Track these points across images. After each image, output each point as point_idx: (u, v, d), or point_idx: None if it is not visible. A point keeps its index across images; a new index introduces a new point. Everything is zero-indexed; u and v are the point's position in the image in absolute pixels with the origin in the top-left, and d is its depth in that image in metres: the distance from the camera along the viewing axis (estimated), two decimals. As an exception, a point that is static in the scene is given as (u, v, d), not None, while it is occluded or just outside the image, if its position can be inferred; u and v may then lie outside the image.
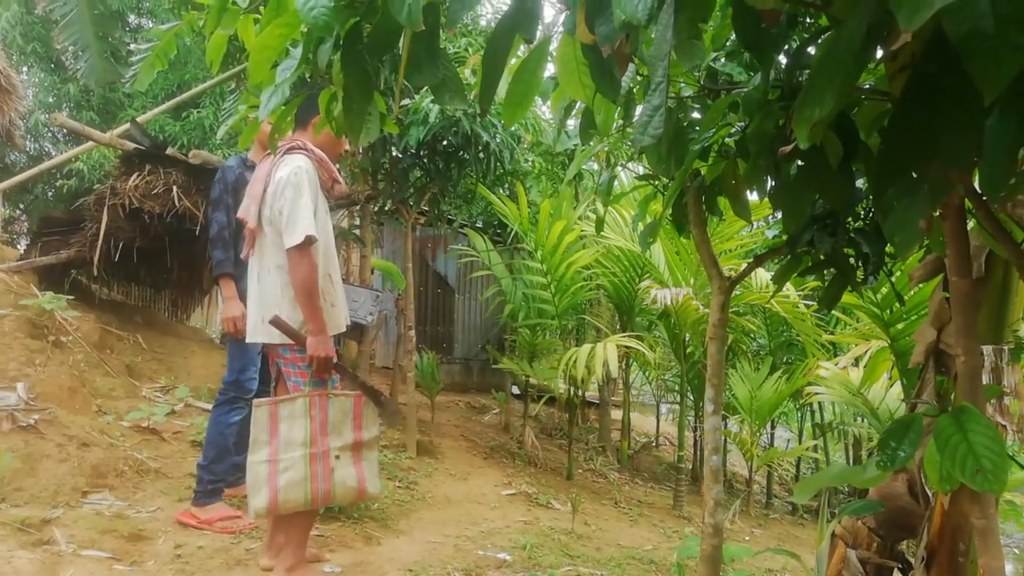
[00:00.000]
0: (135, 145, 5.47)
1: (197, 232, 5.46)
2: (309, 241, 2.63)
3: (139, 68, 2.96)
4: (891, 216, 0.88)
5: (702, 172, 2.66)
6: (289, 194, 2.65)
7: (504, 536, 3.88)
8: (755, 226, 5.95)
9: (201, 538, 3.18)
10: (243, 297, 3.21)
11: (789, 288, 5.63)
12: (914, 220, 0.85)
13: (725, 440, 6.69)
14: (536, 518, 4.42)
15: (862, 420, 7.09)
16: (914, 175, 0.84)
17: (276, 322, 2.69)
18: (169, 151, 5.43)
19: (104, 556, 2.88)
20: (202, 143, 10.24)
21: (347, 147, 3.27)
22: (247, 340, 2.94)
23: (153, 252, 5.84)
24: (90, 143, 6.06)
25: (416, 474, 4.80)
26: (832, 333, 6.11)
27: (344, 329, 3.00)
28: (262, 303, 2.79)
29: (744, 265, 5.01)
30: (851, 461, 7.74)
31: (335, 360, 2.76)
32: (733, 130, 2.16)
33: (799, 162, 1.99)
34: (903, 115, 0.87)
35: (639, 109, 1.95)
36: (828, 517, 3.08)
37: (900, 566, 2.64)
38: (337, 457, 2.74)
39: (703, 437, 7.16)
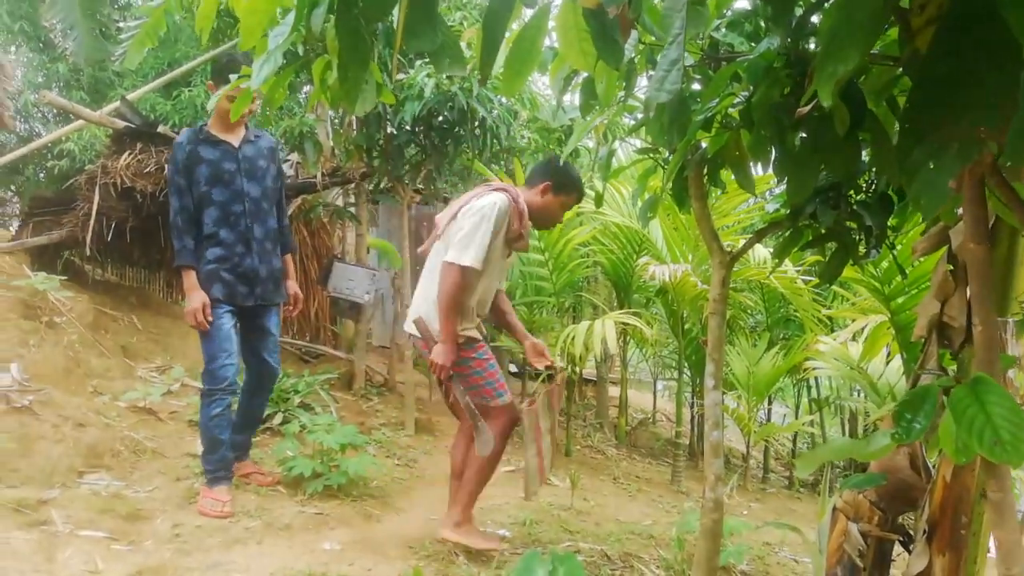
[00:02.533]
0: (125, 123, 5.39)
1: (190, 211, 5.41)
2: (464, 268, 2.87)
3: (128, 46, 2.90)
4: (918, 177, 0.85)
5: (703, 144, 2.62)
6: (474, 220, 2.90)
7: (503, 512, 3.88)
8: (751, 202, 5.91)
9: (199, 517, 3.17)
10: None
11: (787, 263, 5.60)
12: (943, 181, 0.82)
13: (723, 415, 6.69)
14: (535, 494, 4.42)
15: (859, 395, 7.11)
16: (943, 133, 0.80)
17: (419, 323, 3.04)
18: (160, 129, 5.37)
19: (102, 536, 2.86)
20: (194, 121, 10.11)
21: (560, 220, 3.42)
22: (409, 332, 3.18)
23: (146, 232, 5.79)
24: (79, 122, 5.97)
25: (415, 452, 4.80)
26: (830, 308, 6.10)
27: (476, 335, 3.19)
28: (419, 298, 3.13)
29: (742, 241, 4.98)
30: (847, 436, 7.77)
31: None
32: (736, 100, 2.12)
33: (802, 134, 1.96)
34: (930, 70, 0.83)
35: (641, 80, 1.91)
36: (828, 491, 3.09)
37: (901, 539, 2.64)
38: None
39: (701, 413, 7.19)
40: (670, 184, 2.76)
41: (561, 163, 3.21)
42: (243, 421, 3.71)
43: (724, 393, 6.61)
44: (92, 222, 5.27)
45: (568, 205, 3.28)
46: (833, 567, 2.70)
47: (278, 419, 4.48)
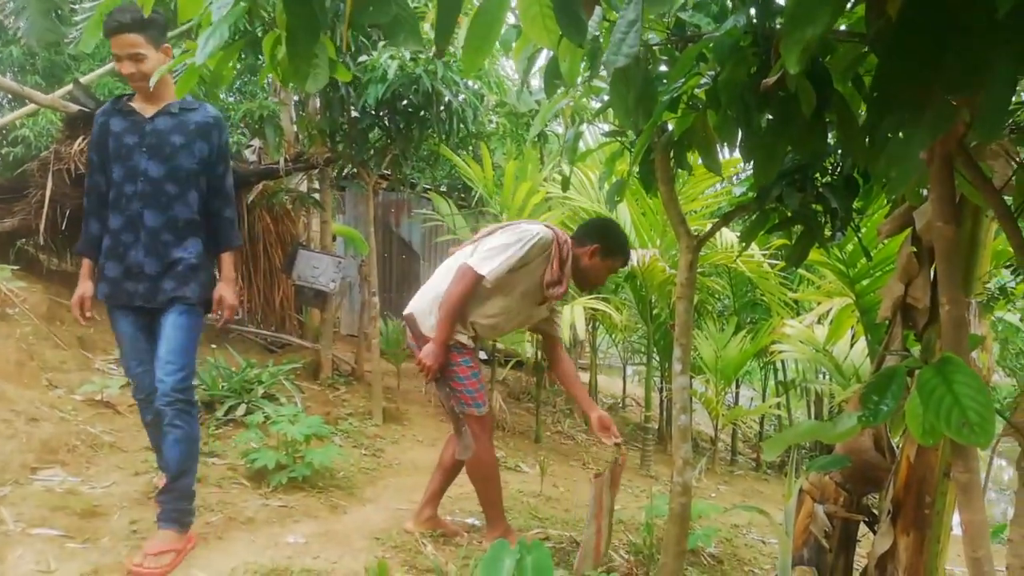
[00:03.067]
0: (79, 107, 5.21)
1: (148, 198, 5.25)
2: (478, 276, 2.86)
3: (83, 28, 2.76)
4: (888, 149, 0.81)
5: (670, 126, 2.59)
6: (511, 238, 2.91)
7: (472, 501, 3.83)
8: (719, 187, 5.91)
9: (159, 512, 3.08)
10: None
11: (753, 247, 5.63)
12: (914, 152, 0.78)
13: (691, 399, 6.73)
14: (505, 482, 4.36)
15: (825, 377, 7.21)
16: (914, 102, 0.77)
17: (408, 318, 3.04)
18: (115, 113, 5.18)
19: (55, 534, 2.76)
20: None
21: (603, 284, 3.36)
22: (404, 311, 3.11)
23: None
24: (30, 106, 5.76)
25: (383, 441, 4.74)
26: (796, 291, 6.15)
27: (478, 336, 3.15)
28: (427, 288, 3.08)
29: (710, 225, 4.98)
30: (813, 418, 7.89)
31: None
32: (703, 81, 2.08)
33: (768, 115, 1.93)
34: (901, 37, 0.80)
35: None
36: (795, 473, 3.10)
37: (866, 519, 2.66)
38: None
39: (669, 397, 7.22)
40: (636, 167, 2.73)
41: (612, 227, 3.21)
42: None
43: (692, 377, 6.65)
44: (45, 210, 5.10)
45: (614, 270, 3.23)
46: (800, 548, 2.71)
47: (241, 410, 4.39)
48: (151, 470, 3.56)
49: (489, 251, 2.90)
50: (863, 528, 2.72)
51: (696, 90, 2.15)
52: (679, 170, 2.65)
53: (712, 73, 1.99)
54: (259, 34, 1.54)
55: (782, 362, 7.27)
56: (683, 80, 2.03)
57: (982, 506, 1.09)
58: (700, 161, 2.34)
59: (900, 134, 0.79)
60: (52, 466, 3.43)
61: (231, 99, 10.91)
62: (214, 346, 5.57)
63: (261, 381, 4.70)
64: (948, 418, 0.98)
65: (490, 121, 6.36)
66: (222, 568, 2.67)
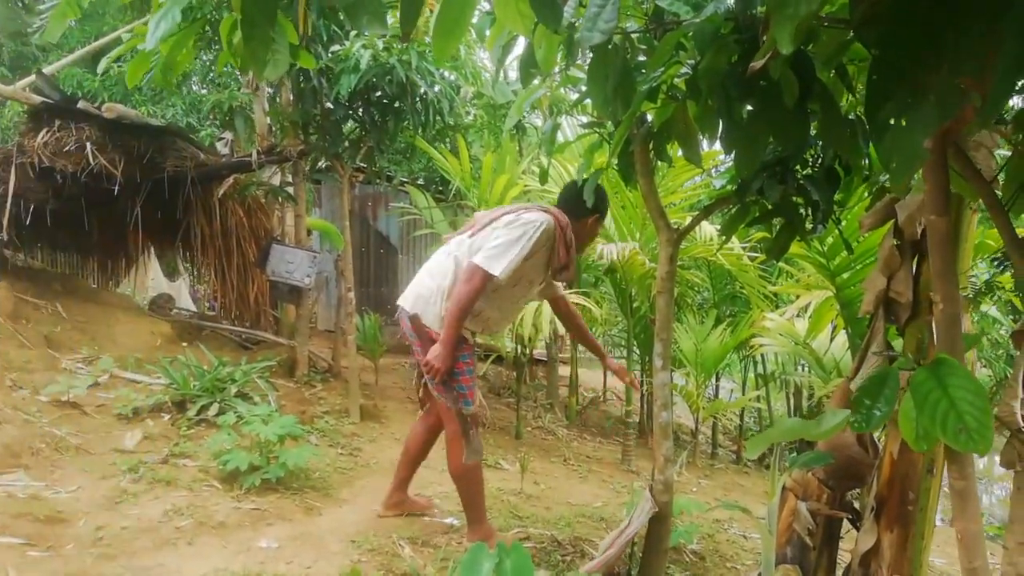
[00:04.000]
0: (43, 99, 5.06)
1: (116, 192, 5.12)
2: (489, 276, 2.76)
3: (48, 18, 2.65)
4: (888, 136, 0.75)
5: (649, 117, 2.53)
6: (516, 232, 2.80)
7: (452, 500, 3.77)
8: (698, 179, 5.87)
9: (125, 518, 2.98)
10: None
11: (733, 240, 5.60)
12: (917, 140, 0.72)
13: (671, 393, 6.70)
14: (485, 480, 4.32)
15: (803, 369, 7.21)
16: (917, 85, 0.70)
17: (415, 320, 2.89)
18: (81, 105, 5.04)
19: (17, 542, 2.66)
20: (124, 99, 9.64)
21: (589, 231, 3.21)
22: (400, 304, 3.00)
23: (69, 215, 5.47)
24: (-8, 97, 5.59)
25: (360, 440, 4.65)
26: (776, 284, 6.14)
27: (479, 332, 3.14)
28: (420, 281, 2.99)
29: (689, 218, 4.94)
30: (792, 410, 7.91)
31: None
32: (683, 70, 2.02)
33: (749, 106, 1.88)
34: (903, 12, 0.73)
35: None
36: (777, 469, 3.06)
37: (850, 516, 2.62)
38: None
39: (650, 391, 7.19)
40: (615, 159, 2.67)
41: (600, 191, 3.08)
42: None
43: (673, 371, 6.63)
44: (8, 205, 4.94)
45: (597, 231, 3.21)
46: (783, 547, 2.67)
47: (213, 410, 4.28)
48: (119, 473, 3.46)
49: (496, 248, 2.78)
50: (846, 525, 2.69)
51: (676, 79, 2.10)
52: (659, 162, 2.59)
53: (692, 62, 1.93)
54: (212, 17, 1.46)
55: (762, 355, 7.27)
56: (662, 69, 1.97)
57: (978, 514, 1.04)
58: (680, 153, 2.27)
59: (902, 121, 0.73)
60: (15, 470, 3.31)
61: (203, 91, 10.73)
62: (186, 344, 5.45)
63: (234, 380, 4.60)
64: (944, 423, 0.92)
65: (467, 113, 6.28)
66: (192, 575, 2.58)
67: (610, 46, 1.94)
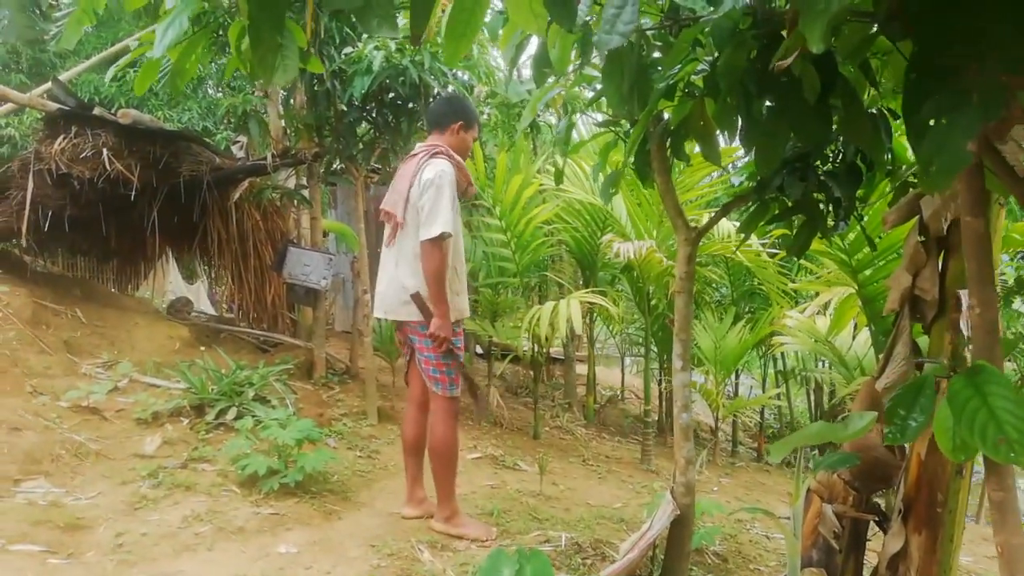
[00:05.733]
0: (59, 106, 5.09)
1: (133, 198, 5.14)
2: (443, 237, 2.99)
3: (64, 25, 2.65)
4: (928, 137, 0.71)
5: (666, 115, 2.48)
6: (432, 193, 3.01)
7: (470, 503, 3.75)
8: (714, 175, 5.81)
9: (145, 524, 2.98)
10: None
11: (752, 237, 5.53)
12: (959, 141, 0.68)
13: (691, 393, 6.65)
14: (503, 481, 4.31)
15: (824, 365, 7.12)
16: (960, 83, 0.66)
17: (416, 298, 3.08)
18: (97, 111, 5.06)
19: (37, 550, 2.67)
20: (141, 105, 9.71)
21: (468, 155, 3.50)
22: (384, 317, 3.25)
23: (87, 220, 5.50)
24: (9, 104, 5.63)
25: (378, 442, 4.64)
26: (796, 281, 6.06)
27: (467, 315, 3.44)
28: (400, 286, 3.15)
29: (706, 216, 4.88)
30: (813, 407, 7.82)
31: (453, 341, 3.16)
32: (700, 67, 1.98)
33: (768, 102, 1.83)
34: (941, 5, 0.69)
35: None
36: (801, 470, 3.01)
37: (876, 519, 2.57)
38: None
39: (669, 390, 7.14)
40: (632, 158, 2.63)
41: (456, 99, 3.49)
42: None
43: (692, 369, 6.57)
44: (27, 211, 4.98)
45: (474, 139, 3.45)
46: (808, 550, 2.62)
47: (231, 414, 4.28)
48: (139, 479, 3.47)
49: (429, 216, 3.00)
50: (872, 527, 2.63)
51: (693, 77, 2.05)
52: (675, 160, 2.55)
53: (710, 59, 1.89)
54: (224, 22, 1.44)
55: (782, 352, 7.19)
56: (679, 66, 1.93)
57: (1020, 526, 1.00)
58: (696, 150, 2.23)
59: (942, 120, 0.69)
60: (35, 477, 3.33)
61: (219, 95, 10.79)
62: (204, 348, 5.47)
63: (252, 383, 4.60)
64: (983, 434, 0.88)
65: (481, 112, 6.25)
66: (210, 582, 2.58)
67: (625, 44, 1.90)
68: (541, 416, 6.12)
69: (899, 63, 1.68)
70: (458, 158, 3.23)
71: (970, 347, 2.07)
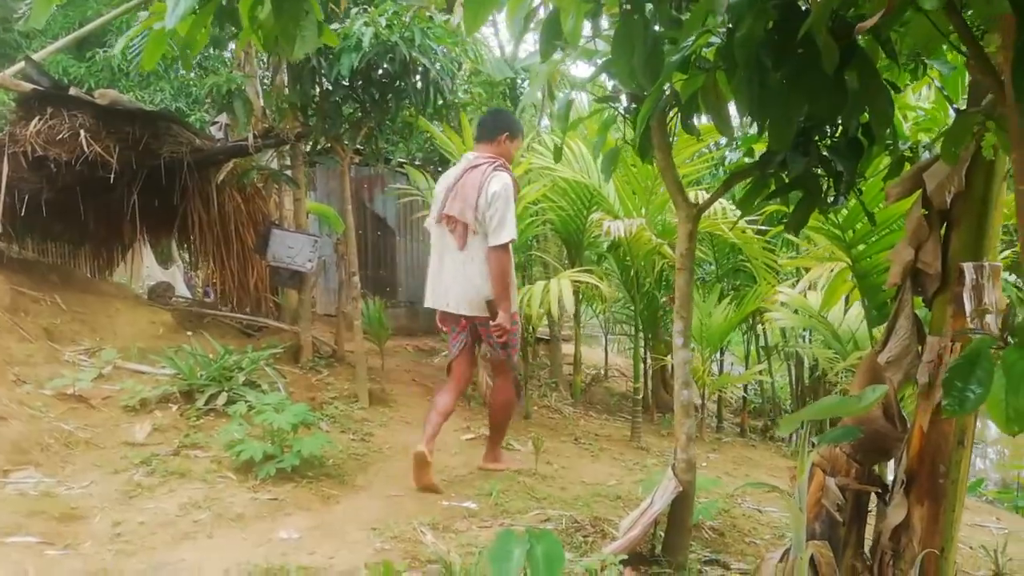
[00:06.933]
0: (33, 86, 4.93)
1: (112, 180, 5.02)
2: (508, 244, 3.52)
3: (32, 3, 2.55)
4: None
5: (667, 90, 2.45)
6: (500, 205, 3.48)
7: (468, 484, 3.75)
8: (694, 157, 5.78)
9: (142, 513, 2.93)
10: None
11: (737, 213, 5.54)
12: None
13: (673, 368, 6.70)
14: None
15: (805, 340, 7.19)
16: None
17: (490, 303, 3.57)
18: (72, 92, 4.92)
19: (33, 541, 2.62)
20: (111, 85, 9.46)
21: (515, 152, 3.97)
22: (454, 312, 3.68)
23: (64, 204, 5.37)
24: (-21, 86, 5.44)
25: (371, 424, 4.61)
26: (791, 257, 6.08)
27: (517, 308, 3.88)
28: (471, 285, 3.60)
29: (691, 194, 4.87)
30: (795, 381, 7.90)
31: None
32: (712, 38, 1.95)
33: (780, 77, 1.81)
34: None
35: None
36: (788, 443, 3.03)
37: (879, 491, 2.60)
38: None
39: (655, 368, 7.18)
40: (634, 134, 2.60)
41: (502, 113, 4.01)
42: None
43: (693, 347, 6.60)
44: (3, 195, 4.83)
45: (517, 148, 3.90)
46: (811, 522, 2.64)
47: (222, 399, 4.22)
48: (132, 467, 3.41)
49: (499, 225, 3.47)
50: (873, 498, 2.66)
51: (704, 49, 2.03)
52: (683, 134, 2.53)
53: (724, 30, 1.86)
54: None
55: (763, 328, 7.25)
56: (693, 38, 1.90)
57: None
58: (708, 121, 2.20)
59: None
60: (25, 467, 3.26)
61: (191, 75, 10.53)
62: (190, 333, 5.38)
63: (241, 368, 4.53)
64: (1042, 405, 0.88)
65: (465, 90, 6.17)
66: (214, 569, 2.54)
67: (636, 16, 1.87)
68: (529, 395, 6.12)
69: (918, 32, 1.67)
70: (511, 170, 3.69)
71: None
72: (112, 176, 4.92)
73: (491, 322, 3.58)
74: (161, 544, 2.71)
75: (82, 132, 4.72)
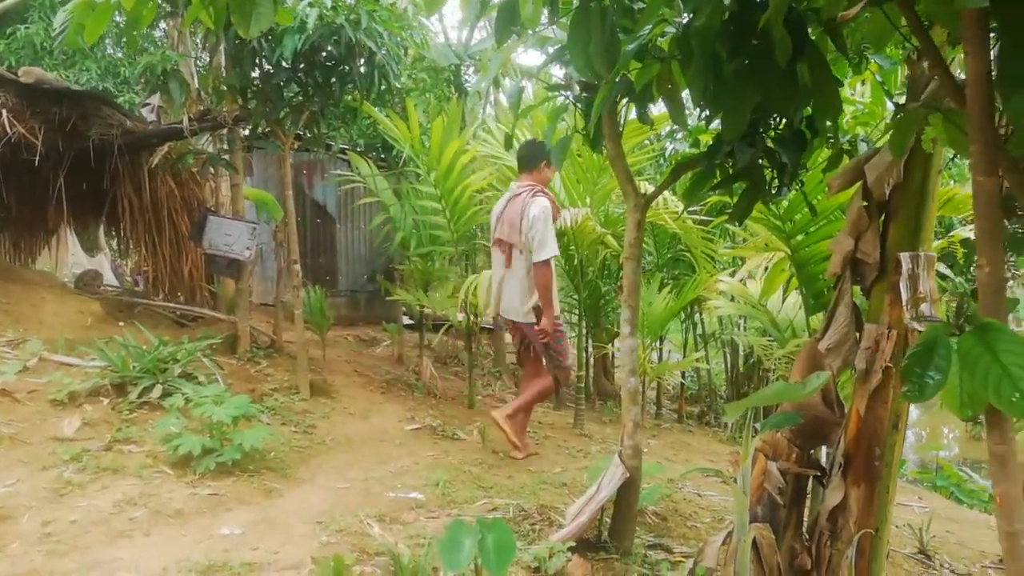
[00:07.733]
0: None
1: (36, 163, 4.76)
2: (550, 259, 4.03)
3: None
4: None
5: (619, 80, 2.46)
6: (540, 227, 4.01)
7: (414, 474, 3.71)
8: (634, 149, 5.84)
9: (73, 511, 2.80)
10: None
11: (677, 203, 5.63)
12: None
13: (614, 356, 6.79)
14: (444, 451, 4.28)
15: (741, 329, 7.38)
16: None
17: (536, 308, 4.14)
18: (-9, 68, 4.64)
19: (-45, 544, 2.47)
20: (33, 63, 8.97)
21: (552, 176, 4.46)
22: (507, 318, 4.39)
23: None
24: None
25: (312, 416, 4.52)
26: (728, 247, 6.21)
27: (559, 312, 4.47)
28: (512, 295, 4.25)
29: (640, 183, 4.92)
30: (730, 368, 8.10)
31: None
32: (667, 28, 1.96)
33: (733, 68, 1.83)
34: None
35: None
36: (718, 427, 3.10)
37: (817, 474, 2.68)
38: None
39: (596, 356, 7.24)
40: (585, 123, 2.60)
41: (535, 142, 4.35)
42: None
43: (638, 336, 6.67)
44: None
45: (554, 172, 4.42)
46: (753, 506, 2.70)
47: (157, 392, 4.06)
48: (61, 463, 3.26)
49: (540, 243, 4.00)
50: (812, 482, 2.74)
51: (659, 39, 2.03)
52: (631, 123, 2.54)
53: (680, 20, 1.87)
54: None
55: (700, 316, 7.40)
56: (649, 28, 1.90)
57: (1018, 478, 1.05)
58: (663, 111, 2.22)
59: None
60: (-57, 466, 3.07)
61: (119, 54, 10.08)
62: (122, 323, 5.17)
63: (176, 359, 4.38)
64: (998, 390, 0.91)
65: (409, 76, 6.08)
66: (152, 568, 2.45)
67: (593, 3, 1.86)
68: (474, 385, 6.10)
69: (872, 26, 1.70)
70: (551, 195, 4.28)
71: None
72: (37, 158, 4.67)
73: (535, 327, 4.15)
74: (95, 543, 2.59)
75: (4, 112, 4.46)
